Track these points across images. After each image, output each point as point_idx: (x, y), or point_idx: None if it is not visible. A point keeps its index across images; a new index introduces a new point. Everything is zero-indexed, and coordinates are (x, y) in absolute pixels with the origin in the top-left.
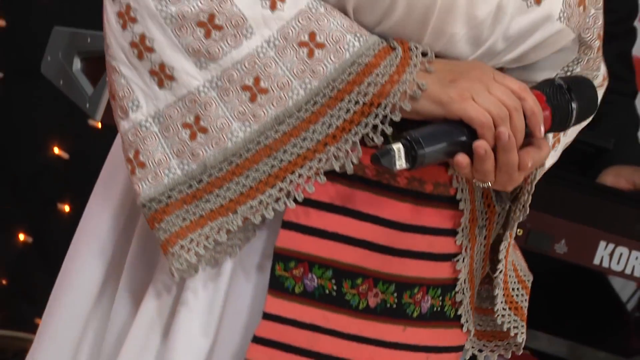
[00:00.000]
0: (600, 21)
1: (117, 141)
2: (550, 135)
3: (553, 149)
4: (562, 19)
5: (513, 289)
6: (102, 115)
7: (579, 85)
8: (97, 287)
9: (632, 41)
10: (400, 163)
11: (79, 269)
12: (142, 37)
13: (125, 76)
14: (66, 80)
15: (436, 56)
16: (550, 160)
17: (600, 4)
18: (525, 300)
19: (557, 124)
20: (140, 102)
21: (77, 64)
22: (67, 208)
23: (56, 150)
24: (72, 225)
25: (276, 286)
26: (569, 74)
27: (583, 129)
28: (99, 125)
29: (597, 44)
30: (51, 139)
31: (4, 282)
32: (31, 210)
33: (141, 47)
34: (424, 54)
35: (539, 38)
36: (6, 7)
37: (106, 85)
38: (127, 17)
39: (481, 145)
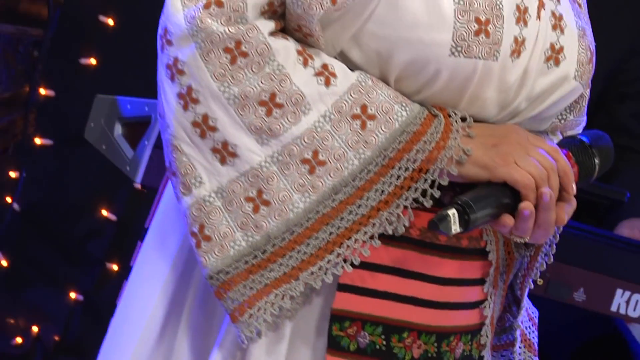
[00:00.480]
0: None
1: (163, 205)
2: None
3: None
4: (576, 77)
5: (526, 327)
6: (142, 177)
7: (600, 142)
8: (157, 331)
9: None
10: (455, 228)
11: (139, 309)
12: (205, 117)
13: (187, 154)
14: (108, 145)
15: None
16: None
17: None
18: (535, 335)
19: (583, 179)
20: (202, 178)
21: (118, 129)
22: (115, 267)
23: (104, 212)
24: (121, 283)
25: (334, 346)
26: (563, 122)
27: (600, 184)
28: (141, 187)
29: (588, 92)
30: (99, 201)
31: (56, 338)
32: (82, 269)
33: (204, 127)
34: (463, 119)
35: (557, 96)
36: (53, 78)
37: (145, 149)
38: (188, 98)
39: (527, 207)
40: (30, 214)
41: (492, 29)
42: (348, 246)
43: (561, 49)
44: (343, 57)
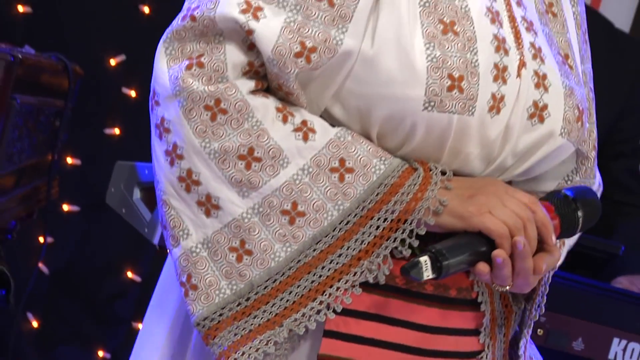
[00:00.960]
0: (595, 134)
1: (167, 262)
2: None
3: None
4: (563, 134)
5: None
6: (159, 238)
7: (584, 195)
8: None
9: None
10: (428, 274)
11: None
12: (189, 172)
13: (175, 208)
14: (128, 209)
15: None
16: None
17: (594, 119)
18: None
19: (565, 231)
20: (190, 230)
21: (136, 193)
22: (141, 326)
23: (129, 274)
24: None
25: None
26: (569, 183)
27: (596, 237)
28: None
29: (593, 154)
30: (124, 263)
31: None
32: (109, 329)
33: (188, 181)
34: (443, 173)
35: (544, 153)
36: (79, 147)
37: None
38: (174, 155)
39: (499, 254)
40: (58, 276)
41: (466, 85)
42: (330, 294)
43: (545, 106)
44: (328, 115)
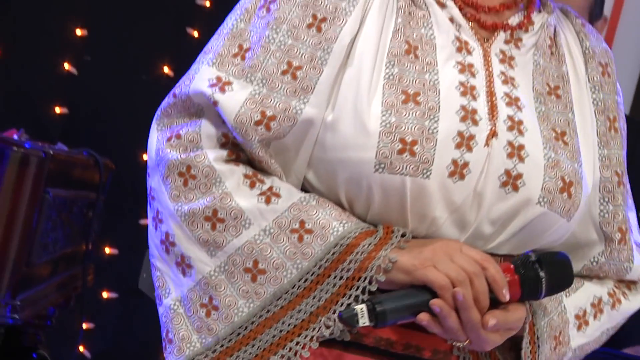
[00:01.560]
0: (621, 216)
1: None
2: (572, 314)
3: (580, 330)
4: (542, 203)
5: None
6: None
7: (551, 259)
8: None
9: None
10: (364, 321)
11: None
12: (167, 235)
13: (159, 269)
14: None
15: (425, 238)
16: (581, 340)
17: (620, 201)
18: None
19: (528, 292)
20: (170, 289)
21: None
22: None
23: None
24: None
25: None
26: (594, 265)
27: None
28: None
29: (618, 236)
30: (160, 345)
31: None
32: None
33: (167, 243)
34: (403, 235)
35: (522, 221)
36: (117, 237)
37: None
38: (157, 220)
39: (436, 303)
40: (100, 359)
41: (418, 149)
42: (290, 348)
43: (519, 175)
44: (307, 183)
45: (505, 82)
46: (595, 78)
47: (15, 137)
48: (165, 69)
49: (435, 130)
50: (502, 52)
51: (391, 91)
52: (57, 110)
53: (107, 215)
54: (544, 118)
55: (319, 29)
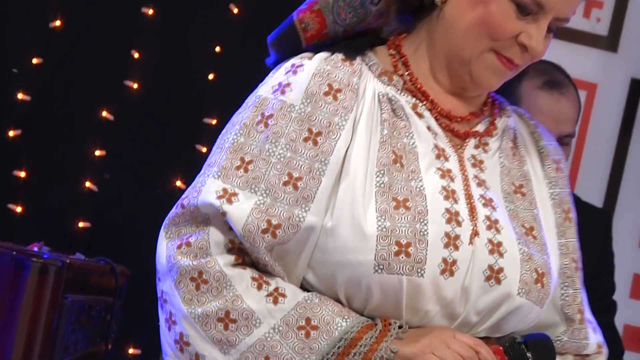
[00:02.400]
0: (579, 299)
1: None
2: None
3: None
4: (521, 294)
5: None
6: None
7: (537, 341)
8: None
9: (614, 312)
10: None
11: None
12: (181, 335)
13: None
14: None
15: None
16: None
17: (578, 285)
18: None
19: None
20: None
21: None
22: None
23: None
24: None
25: None
26: (558, 344)
27: None
28: None
29: (578, 317)
30: None
31: None
32: None
33: (181, 343)
34: (400, 327)
35: (505, 310)
36: (140, 338)
37: None
38: (170, 322)
39: None
40: None
41: (413, 251)
42: None
43: (500, 269)
44: (306, 283)
45: (479, 184)
46: (551, 174)
47: (36, 249)
48: (178, 183)
49: (426, 233)
50: (473, 156)
51: (383, 198)
52: (81, 224)
53: (128, 317)
54: (514, 216)
55: (315, 142)
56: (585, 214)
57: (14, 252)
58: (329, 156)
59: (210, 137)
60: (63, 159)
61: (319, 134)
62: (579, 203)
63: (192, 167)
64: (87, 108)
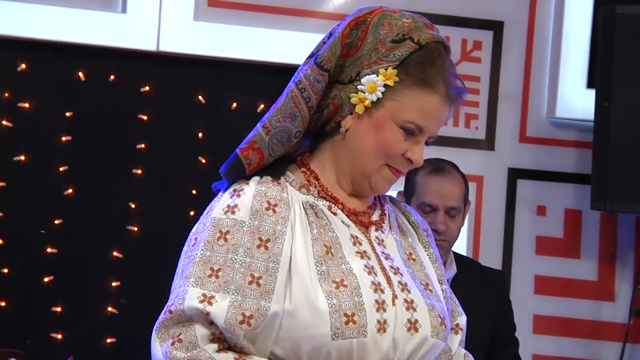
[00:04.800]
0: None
1: None
2: None
3: None
4: (433, 336)
5: None
6: None
7: None
8: None
9: (517, 345)
10: None
11: None
12: None
13: None
14: None
15: None
16: None
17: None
18: None
19: None
20: None
21: None
22: None
23: None
24: None
25: None
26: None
27: None
28: None
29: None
30: None
31: None
32: None
33: None
34: None
35: (424, 350)
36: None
37: None
38: None
39: None
40: None
41: (357, 318)
42: None
43: (416, 321)
44: (273, 356)
45: (386, 258)
46: (424, 241)
47: None
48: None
49: (362, 303)
50: (377, 238)
51: (326, 283)
52: (108, 340)
53: None
54: (414, 277)
55: (266, 248)
56: (486, 276)
57: None
58: (280, 257)
59: None
60: (86, 295)
61: (268, 240)
62: (480, 268)
63: None
64: (102, 249)
